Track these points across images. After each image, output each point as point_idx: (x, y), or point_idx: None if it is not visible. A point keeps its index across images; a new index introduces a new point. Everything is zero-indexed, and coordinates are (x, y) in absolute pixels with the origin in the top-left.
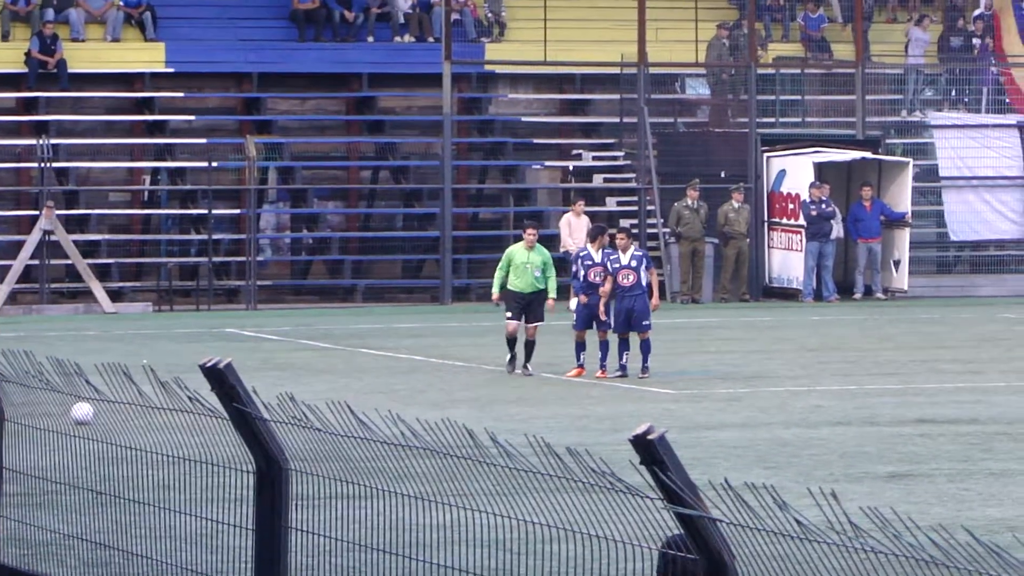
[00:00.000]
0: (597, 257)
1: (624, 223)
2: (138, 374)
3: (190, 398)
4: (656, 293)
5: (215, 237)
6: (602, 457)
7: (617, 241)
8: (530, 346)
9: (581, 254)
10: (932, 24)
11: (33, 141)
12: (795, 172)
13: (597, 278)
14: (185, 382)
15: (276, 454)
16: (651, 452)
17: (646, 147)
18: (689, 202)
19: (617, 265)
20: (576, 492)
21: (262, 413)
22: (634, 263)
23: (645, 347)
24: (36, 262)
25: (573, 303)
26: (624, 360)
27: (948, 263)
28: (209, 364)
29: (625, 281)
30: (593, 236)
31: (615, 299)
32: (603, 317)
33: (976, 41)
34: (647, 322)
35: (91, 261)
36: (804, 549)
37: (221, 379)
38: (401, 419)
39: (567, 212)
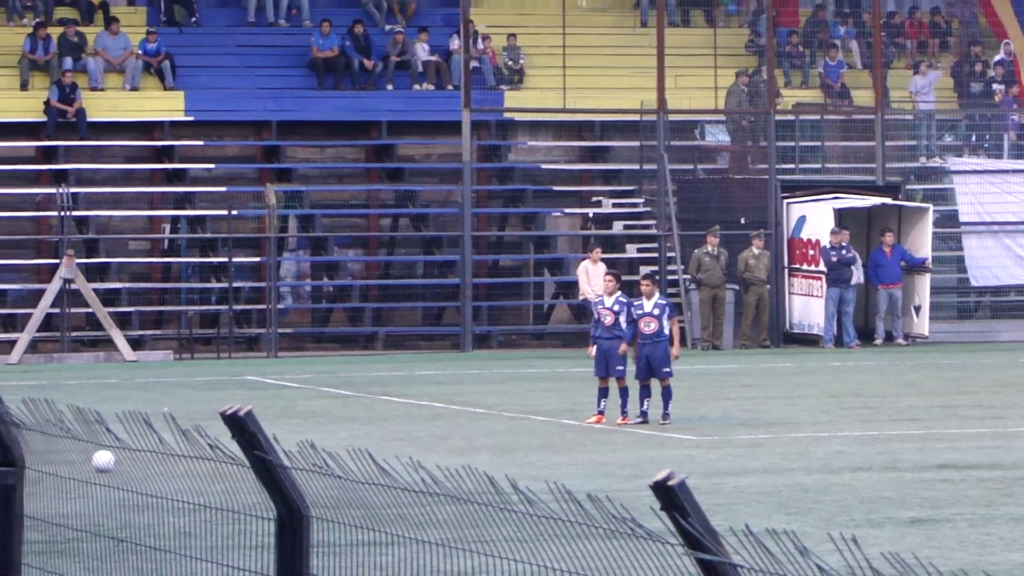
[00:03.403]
0: (608, 302)
1: (644, 270)
2: (159, 422)
3: (211, 445)
4: (677, 342)
5: (235, 285)
6: (623, 503)
7: (641, 288)
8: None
9: (596, 301)
10: (938, 69)
11: (53, 190)
12: (815, 218)
13: (605, 320)
14: (206, 430)
15: (297, 501)
16: (671, 498)
17: (666, 194)
18: (709, 248)
19: (640, 312)
20: (597, 539)
21: (283, 460)
22: (656, 311)
23: (666, 394)
24: (56, 311)
25: (593, 350)
26: (645, 407)
27: (969, 308)
28: (230, 412)
29: (647, 328)
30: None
31: (637, 346)
32: (620, 366)
33: (996, 87)
34: (667, 369)
35: (111, 309)
36: None
37: (242, 427)
38: (422, 466)
39: (585, 259)
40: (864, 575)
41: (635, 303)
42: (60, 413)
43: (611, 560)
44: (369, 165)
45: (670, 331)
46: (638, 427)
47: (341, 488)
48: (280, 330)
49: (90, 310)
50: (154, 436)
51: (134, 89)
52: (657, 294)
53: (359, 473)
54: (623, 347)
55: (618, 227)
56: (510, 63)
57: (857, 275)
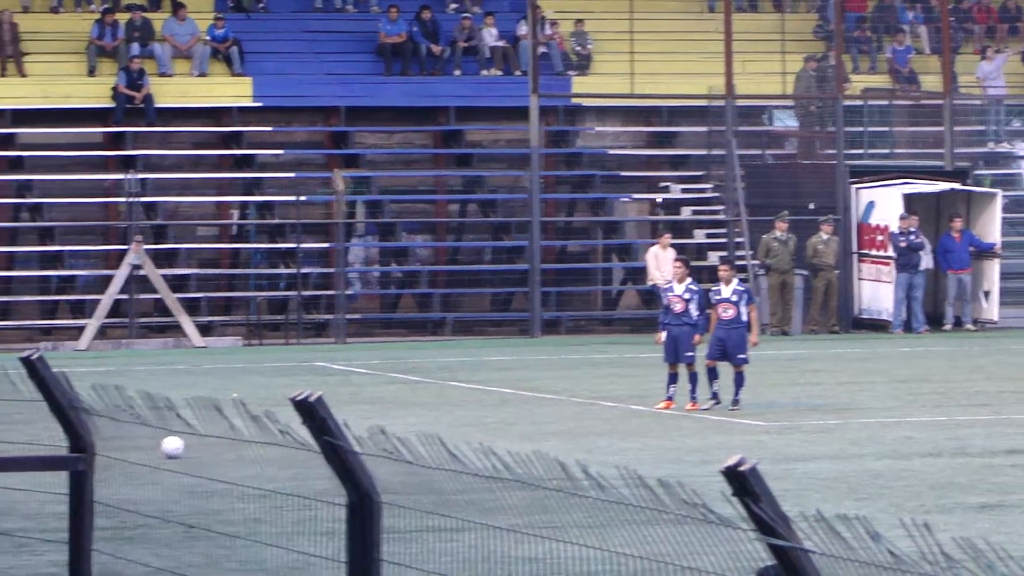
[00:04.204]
0: (678, 289)
1: (713, 256)
2: (228, 408)
3: (281, 431)
4: (756, 329)
5: (304, 271)
6: (693, 489)
7: (720, 273)
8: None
9: (666, 288)
10: (1006, 53)
11: (121, 176)
12: (884, 204)
13: (675, 307)
14: (276, 416)
15: (368, 487)
16: (743, 483)
17: (734, 179)
18: (778, 234)
19: (718, 297)
20: (668, 524)
21: (353, 446)
22: (734, 297)
23: (739, 380)
24: (125, 297)
25: (661, 336)
26: (715, 387)
27: None
28: (300, 398)
29: (724, 314)
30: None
31: (713, 330)
32: (689, 353)
33: None
34: (742, 355)
35: (180, 296)
36: None
37: (312, 412)
38: (493, 451)
39: (654, 245)
40: (936, 561)
41: (712, 289)
42: (130, 399)
43: (682, 545)
44: (437, 151)
45: (748, 317)
46: (707, 413)
47: (411, 474)
48: (348, 316)
49: (159, 296)
50: (224, 422)
51: (202, 75)
52: (736, 280)
53: (429, 459)
54: (697, 338)
55: (686, 212)
56: (578, 48)
57: (926, 260)
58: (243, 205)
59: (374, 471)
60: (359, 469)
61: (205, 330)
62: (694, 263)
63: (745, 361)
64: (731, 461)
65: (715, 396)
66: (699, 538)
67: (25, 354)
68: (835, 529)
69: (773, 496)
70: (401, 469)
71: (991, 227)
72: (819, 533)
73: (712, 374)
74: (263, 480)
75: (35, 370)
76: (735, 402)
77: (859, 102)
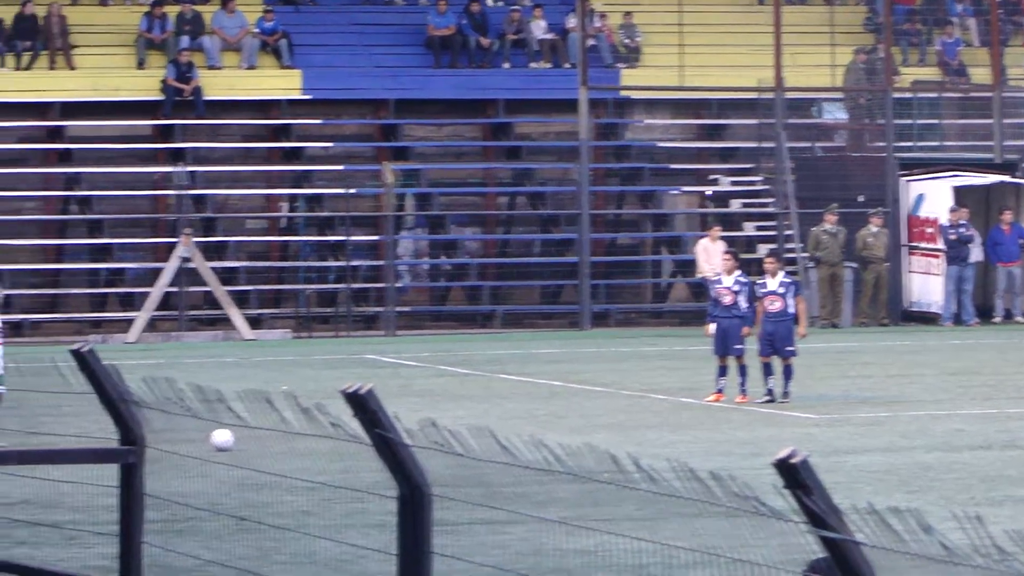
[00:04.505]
0: (727, 281)
1: (763, 248)
2: (278, 400)
3: (332, 424)
4: (803, 321)
5: (353, 264)
6: (745, 482)
7: (765, 266)
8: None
9: (715, 280)
10: None
11: (170, 168)
12: (933, 196)
13: (724, 299)
14: (326, 408)
15: (419, 480)
16: (794, 476)
17: (784, 172)
18: (828, 227)
19: (765, 290)
20: (719, 517)
21: (404, 439)
22: (781, 289)
23: (787, 372)
24: (174, 289)
25: (711, 328)
26: (770, 384)
27: None
28: (351, 390)
29: (771, 307)
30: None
31: (761, 323)
32: (738, 345)
33: None
34: (791, 348)
35: (229, 288)
36: (951, 573)
37: (363, 405)
38: (543, 444)
39: (704, 237)
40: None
41: (758, 282)
42: (180, 392)
43: (733, 538)
44: (486, 143)
45: (795, 309)
46: (757, 405)
47: (462, 466)
48: (398, 308)
49: (208, 289)
50: (275, 414)
51: (251, 68)
52: (781, 272)
53: (480, 451)
54: (746, 330)
55: (736, 205)
56: (627, 41)
57: (976, 253)
58: (292, 198)
59: (425, 463)
60: (410, 462)
61: (254, 323)
62: (744, 256)
63: (793, 353)
64: (782, 454)
65: (770, 392)
66: (750, 531)
67: (75, 346)
68: (886, 521)
69: (824, 488)
70: (452, 462)
71: None
72: (870, 525)
73: (767, 370)
74: (313, 473)
75: (86, 362)
76: (785, 394)
77: (908, 95)
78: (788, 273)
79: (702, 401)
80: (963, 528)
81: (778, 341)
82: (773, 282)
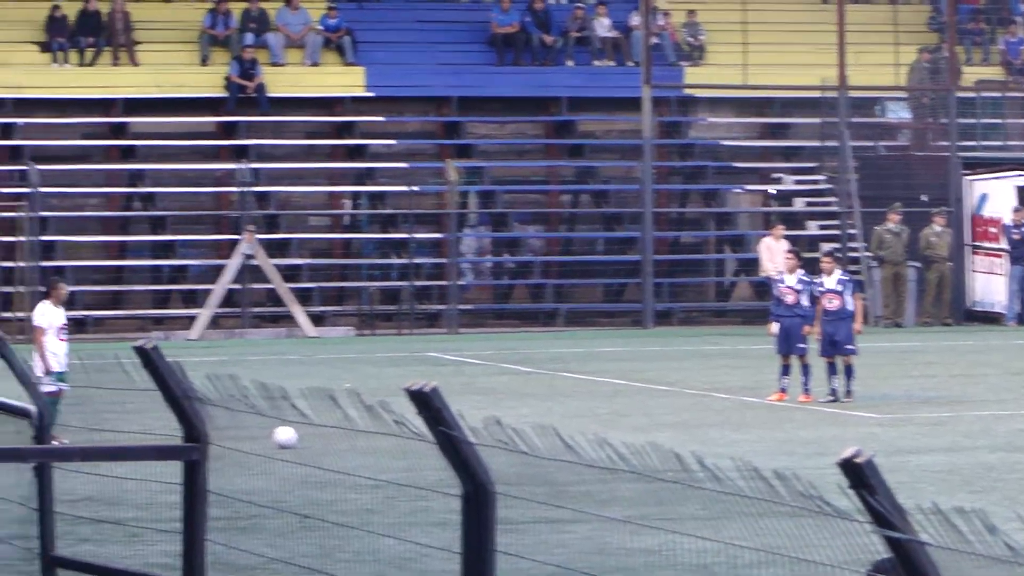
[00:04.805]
0: (790, 280)
1: (825, 247)
2: (342, 398)
3: (396, 421)
4: (860, 318)
5: (416, 261)
6: (809, 481)
7: (822, 265)
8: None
9: (777, 279)
10: None
11: (233, 165)
12: (997, 196)
13: (787, 298)
14: (389, 405)
15: (483, 478)
16: (859, 475)
17: (847, 171)
18: (891, 226)
19: (822, 289)
20: (783, 516)
21: (468, 437)
22: (839, 287)
23: (849, 371)
24: (237, 287)
25: (774, 327)
26: (833, 384)
27: None
28: (415, 388)
29: (830, 305)
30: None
31: (821, 323)
32: (801, 344)
33: None
34: (851, 346)
35: (292, 285)
36: (1015, 574)
37: (427, 402)
38: (607, 442)
39: (767, 236)
40: None
41: (816, 281)
42: (244, 389)
43: (796, 538)
44: (549, 141)
45: (853, 307)
46: (820, 405)
47: (525, 464)
48: (460, 306)
49: (271, 286)
50: (338, 412)
51: (314, 64)
52: (838, 270)
53: (544, 449)
54: (807, 328)
55: (799, 204)
56: (690, 39)
57: None
58: (355, 195)
59: (488, 461)
60: (474, 459)
61: (317, 320)
62: (807, 255)
63: (854, 352)
64: (847, 453)
65: (833, 392)
66: (814, 530)
67: (139, 343)
68: (951, 521)
69: (889, 488)
70: (515, 460)
71: None
72: (934, 525)
73: (830, 369)
74: (376, 470)
75: (149, 359)
76: (848, 393)
77: (972, 94)
78: (846, 271)
79: (765, 400)
80: None
81: (839, 340)
82: (830, 280)
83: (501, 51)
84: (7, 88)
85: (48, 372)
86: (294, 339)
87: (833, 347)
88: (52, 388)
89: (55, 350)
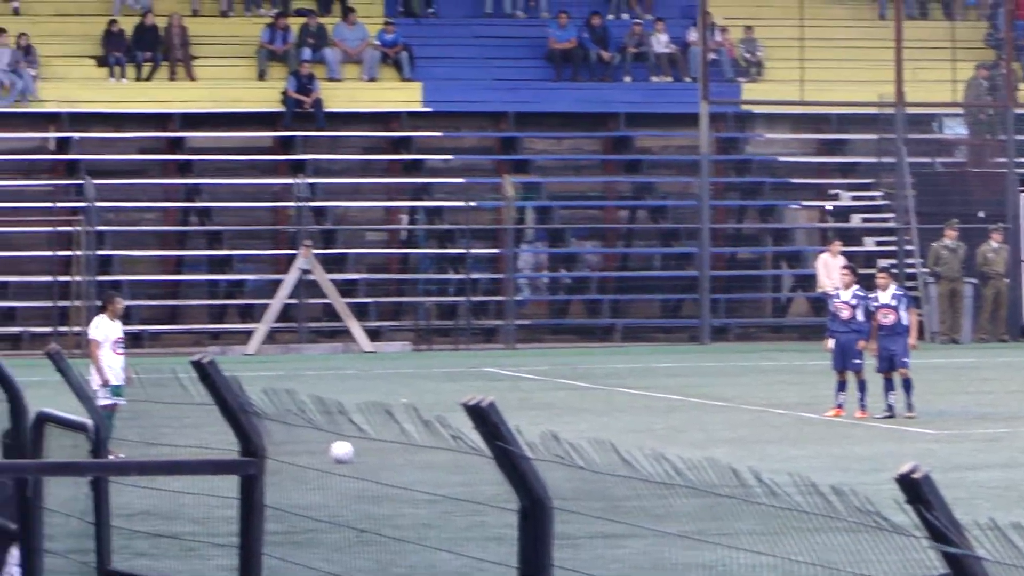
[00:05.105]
0: (845, 295)
1: (882, 263)
2: (399, 412)
3: (453, 436)
4: (915, 332)
5: (473, 276)
6: (866, 496)
7: (877, 280)
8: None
9: (833, 295)
10: None
11: (290, 180)
12: None
13: (842, 314)
14: (446, 420)
15: (540, 492)
16: (916, 491)
17: (904, 187)
18: (948, 242)
19: (877, 304)
20: (840, 532)
21: (525, 451)
22: (893, 302)
23: (907, 385)
24: (294, 301)
25: (830, 343)
26: (890, 400)
27: None
28: (472, 402)
29: (885, 320)
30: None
31: (876, 338)
32: (857, 360)
33: None
34: (906, 359)
35: (349, 300)
36: None
37: (484, 417)
38: (664, 457)
39: (824, 252)
40: None
41: (870, 296)
42: (301, 403)
43: (853, 553)
44: (606, 156)
45: (908, 321)
46: (877, 420)
47: (582, 479)
48: (517, 322)
49: (328, 301)
50: (395, 426)
51: (371, 80)
52: (893, 286)
53: (601, 464)
54: (862, 343)
55: (856, 220)
56: (748, 55)
57: None
58: (412, 210)
59: (545, 476)
60: (531, 474)
61: (374, 335)
62: (863, 271)
63: (907, 365)
64: (904, 468)
65: (890, 408)
66: (871, 546)
67: (196, 357)
68: (1008, 537)
69: (946, 503)
70: (572, 474)
71: None
72: (992, 541)
73: (887, 385)
74: (433, 485)
75: (206, 373)
76: (909, 407)
77: None
78: (900, 287)
79: (822, 416)
80: None
81: (895, 355)
82: (885, 295)
83: (559, 67)
84: (64, 102)
85: (104, 385)
86: (350, 354)
87: (889, 362)
88: (108, 402)
89: (111, 363)
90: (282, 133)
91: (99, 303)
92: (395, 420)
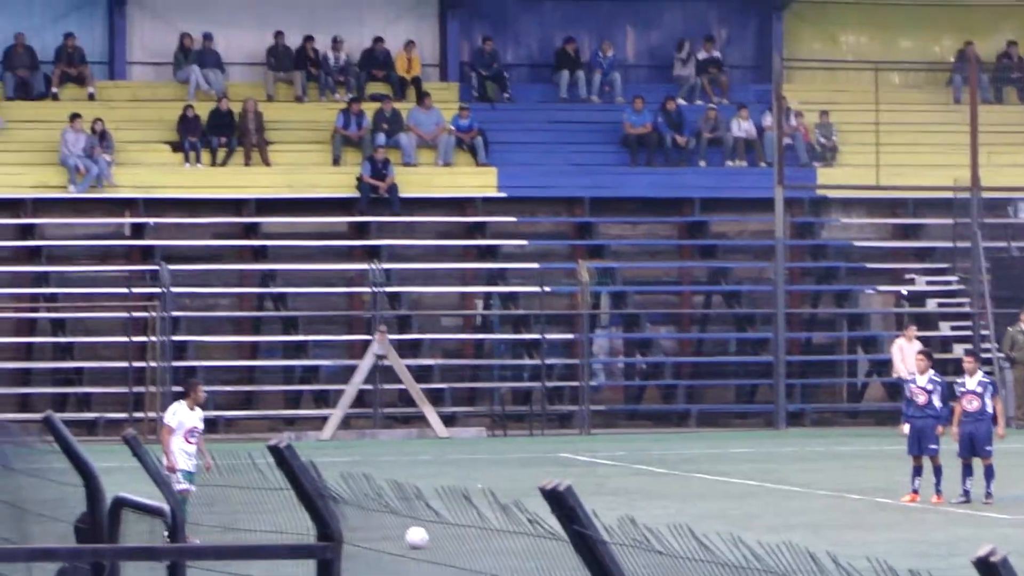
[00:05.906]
0: (921, 381)
1: (958, 348)
2: (475, 497)
3: (530, 520)
4: (1002, 421)
5: (548, 362)
6: None
7: (965, 365)
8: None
9: (909, 380)
10: None
11: (365, 266)
12: None
13: (918, 399)
14: (523, 505)
15: None
16: (994, 574)
17: (980, 271)
18: (1023, 327)
19: (963, 389)
20: None
21: (602, 536)
22: (979, 388)
23: (988, 472)
24: (369, 387)
25: (905, 428)
26: (967, 485)
27: None
28: (549, 487)
29: (969, 406)
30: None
31: (959, 424)
32: (933, 445)
33: None
34: (989, 447)
35: (424, 386)
36: None
37: (561, 502)
38: (741, 541)
39: (899, 337)
40: None
41: (957, 381)
42: (378, 488)
43: None
44: (682, 242)
45: (994, 409)
46: (953, 506)
47: (659, 565)
48: (593, 407)
49: (403, 386)
50: (472, 511)
51: (446, 165)
52: (980, 371)
53: (679, 549)
54: (940, 428)
55: (931, 305)
56: (823, 140)
57: None
58: (487, 295)
59: (622, 561)
60: (608, 559)
61: (449, 420)
62: (939, 356)
63: (991, 453)
64: (983, 551)
65: (966, 494)
66: None
67: (273, 442)
68: None
69: None
70: (650, 559)
71: None
72: None
73: (966, 471)
74: (510, 571)
75: (283, 458)
76: (988, 495)
77: None
78: (987, 373)
79: (898, 501)
80: None
81: (978, 441)
82: (971, 381)
83: (634, 151)
84: (139, 188)
85: (173, 471)
86: (425, 440)
87: (971, 448)
88: (181, 487)
89: (183, 449)
90: (357, 218)
91: (177, 389)
92: (472, 504)
